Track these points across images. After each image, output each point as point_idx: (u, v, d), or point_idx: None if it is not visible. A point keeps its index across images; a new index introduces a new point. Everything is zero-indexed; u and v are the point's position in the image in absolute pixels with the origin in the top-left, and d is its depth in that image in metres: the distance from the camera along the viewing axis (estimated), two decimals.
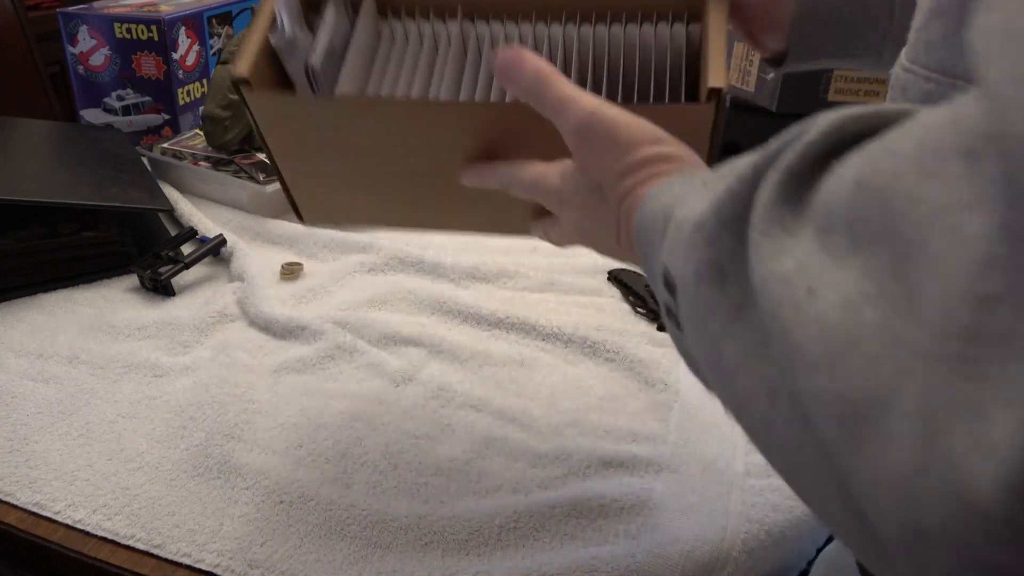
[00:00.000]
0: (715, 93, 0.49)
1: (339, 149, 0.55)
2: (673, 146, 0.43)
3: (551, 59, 0.59)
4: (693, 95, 0.57)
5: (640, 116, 0.43)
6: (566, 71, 0.59)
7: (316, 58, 0.54)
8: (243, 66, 0.52)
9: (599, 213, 0.46)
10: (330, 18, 0.57)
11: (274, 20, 0.55)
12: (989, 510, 0.19)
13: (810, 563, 0.62)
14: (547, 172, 0.49)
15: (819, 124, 0.28)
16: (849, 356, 0.23)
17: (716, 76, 0.49)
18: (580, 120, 0.44)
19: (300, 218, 0.64)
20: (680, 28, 0.58)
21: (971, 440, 0.19)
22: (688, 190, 0.35)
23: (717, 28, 0.52)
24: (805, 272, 0.25)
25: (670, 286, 0.34)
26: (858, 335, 0.23)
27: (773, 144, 0.31)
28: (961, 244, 0.20)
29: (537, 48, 0.59)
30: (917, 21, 0.42)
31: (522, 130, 0.50)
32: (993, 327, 0.19)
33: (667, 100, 0.57)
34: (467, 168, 0.53)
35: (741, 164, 0.31)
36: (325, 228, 1.03)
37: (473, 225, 0.62)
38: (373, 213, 0.64)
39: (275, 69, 0.55)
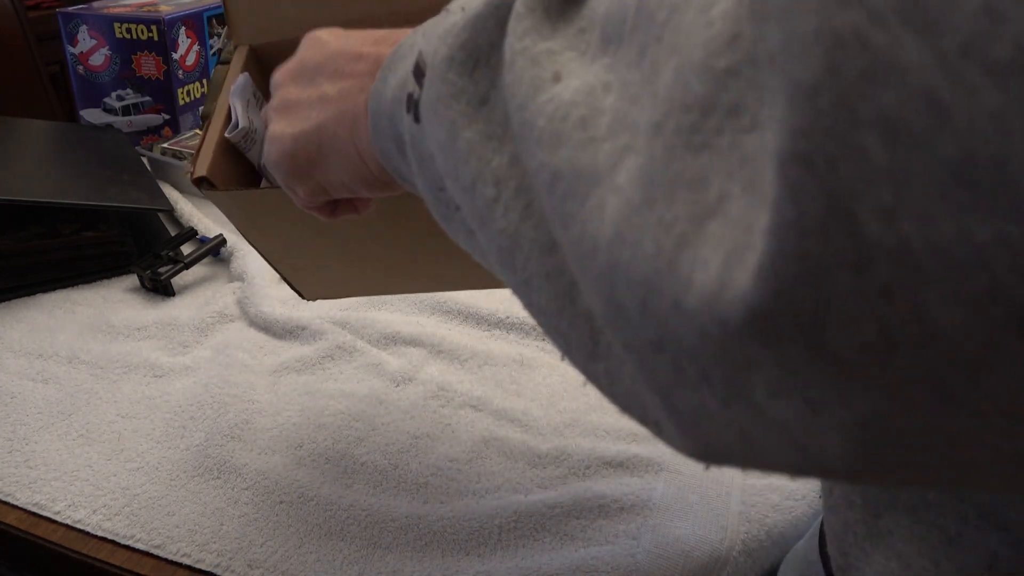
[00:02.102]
0: None
1: (311, 235, 0.55)
2: None
3: None
4: None
5: None
6: None
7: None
8: (202, 165, 0.51)
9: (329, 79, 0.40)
10: None
11: (230, 115, 0.54)
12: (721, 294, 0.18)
13: None
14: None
15: None
16: (572, 134, 0.22)
17: None
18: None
19: (301, 296, 0.65)
20: None
21: (697, 210, 0.19)
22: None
23: None
24: (555, 59, 0.24)
25: (420, 72, 0.31)
26: (586, 116, 0.22)
27: None
28: (706, 24, 0.19)
29: None
30: None
31: None
32: (725, 100, 0.18)
33: None
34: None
35: None
36: None
37: (468, 282, 0.62)
38: (367, 285, 0.65)
39: (235, 161, 0.55)
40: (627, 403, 0.24)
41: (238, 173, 0.55)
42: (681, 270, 0.19)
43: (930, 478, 0.19)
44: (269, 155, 0.42)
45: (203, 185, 0.50)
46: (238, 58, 0.58)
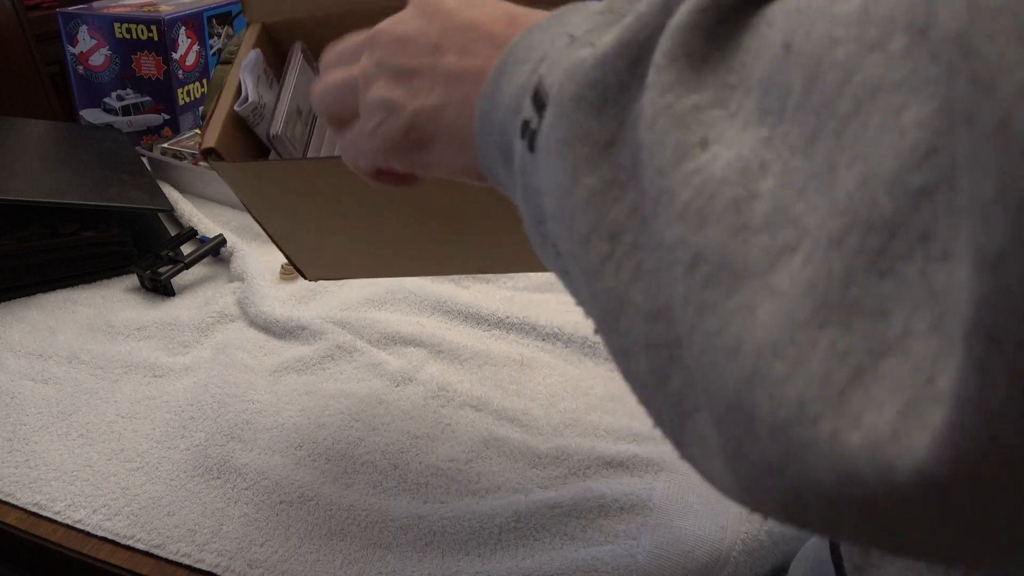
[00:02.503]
0: None
1: (317, 209, 0.54)
2: None
3: None
4: None
5: None
6: None
7: (277, 126, 0.53)
8: (210, 137, 0.51)
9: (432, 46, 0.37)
10: (292, 79, 0.56)
11: (239, 89, 0.54)
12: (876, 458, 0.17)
13: None
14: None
15: None
16: (723, 216, 0.21)
17: None
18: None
19: (304, 276, 0.65)
20: None
21: (876, 343, 0.17)
22: (583, 16, 0.31)
23: None
24: (702, 119, 0.22)
25: (539, 102, 0.29)
26: (740, 199, 0.20)
27: None
28: (899, 132, 0.17)
29: None
30: None
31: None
32: (916, 222, 0.17)
33: None
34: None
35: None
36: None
37: (468, 266, 0.62)
38: (371, 265, 0.64)
39: (246, 133, 0.55)
40: (727, 493, 0.23)
41: (246, 147, 0.55)
42: (851, 406, 0.17)
43: None
44: (370, 119, 0.39)
45: (211, 156, 0.50)
46: (250, 35, 0.58)
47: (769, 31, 0.23)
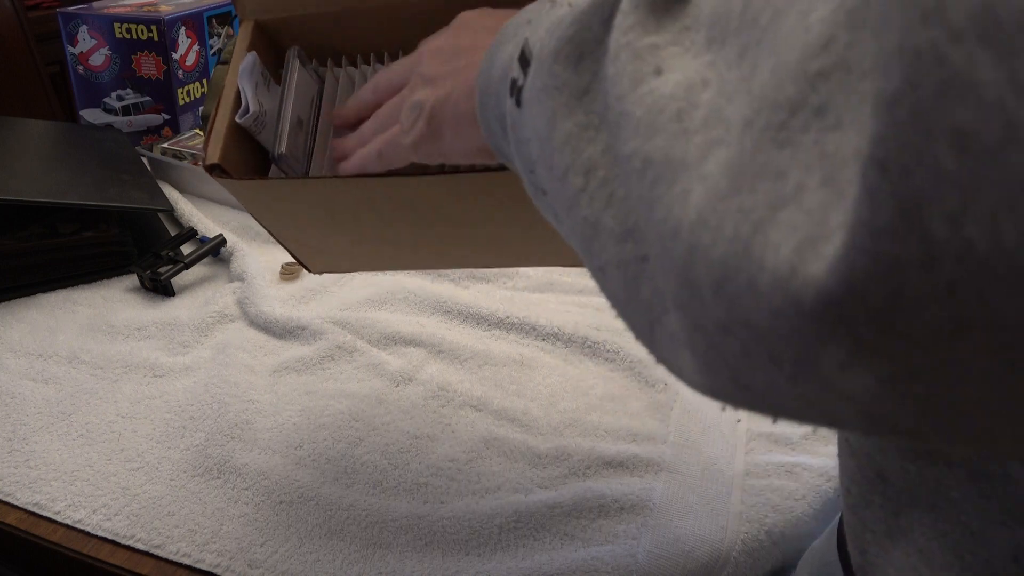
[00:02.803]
0: None
1: (324, 219, 0.55)
2: None
3: None
4: None
5: None
6: None
7: (281, 145, 0.53)
8: (214, 152, 0.50)
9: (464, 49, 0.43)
10: (291, 89, 0.55)
11: (239, 97, 0.53)
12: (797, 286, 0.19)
13: None
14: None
15: None
16: (668, 125, 0.24)
17: None
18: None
19: (308, 269, 0.65)
20: None
21: (774, 199, 0.20)
22: None
23: None
24: (658, 54, 0.26)
25: (525, 60, 0.33)
26: (682, 109, 0.24)
27: None
28: (804, 29, 0.20)
29: None
30: None
31: (492, 191, 0.50)
32: (813, 100, 0.19)
33: None
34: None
35: None
36: None
37: (473, 261, 0.63)
38: (376, 262, 0.65)
39: (249, 142, 0.54)
40: (690, 381, 0.26)
41: (250, 155, 0.55)
42: (754, 252, 0.20)
43: (996, 445, 0.20)
44: (406, 122, 0.45)
45: (216, 172, 0.50)
46: (244, 34, 0.57)
47: None
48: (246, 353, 0.81)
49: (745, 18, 0.23)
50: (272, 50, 0.60)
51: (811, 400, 0.21)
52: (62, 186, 0.94)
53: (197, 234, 1.00)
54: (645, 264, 0.26)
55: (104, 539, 0.61)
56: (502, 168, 0.44)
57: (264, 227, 0.58)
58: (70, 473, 0.66)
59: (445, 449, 0.69)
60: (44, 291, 0.90)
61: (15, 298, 0.89)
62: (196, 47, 1.29)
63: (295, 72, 0.57)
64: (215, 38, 1.33)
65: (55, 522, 0.62)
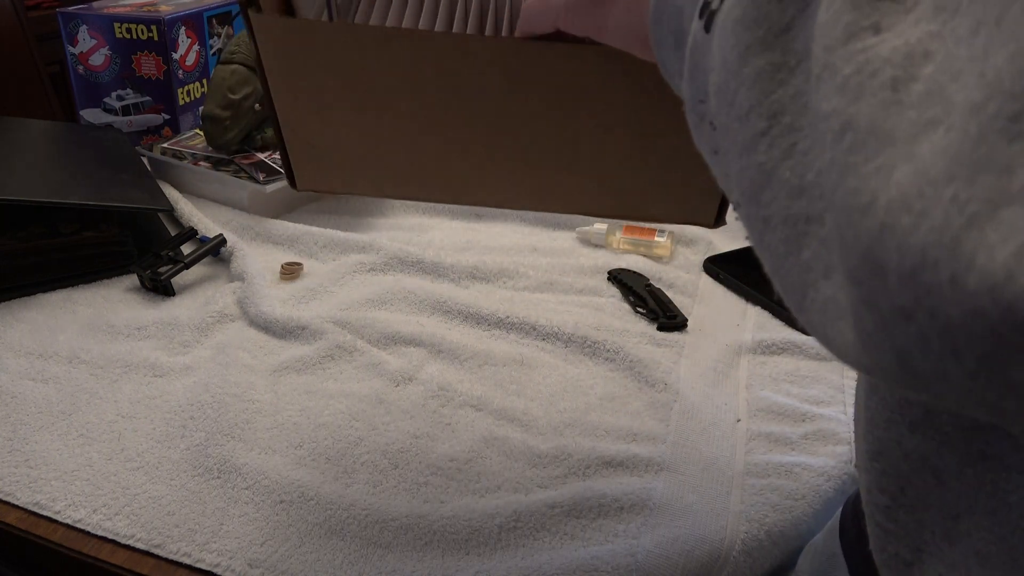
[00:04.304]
0: None
1: (348, 87, 0.51)
2: None
3: None
4: None
5: None
6: None
7: None
8: None
9: None
10: None
11: None
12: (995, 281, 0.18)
13: None
14: None
15: None
16: (879, 92, 0.22)
17: None
18: None
19: (292, 183, 0.60)
20: None
21: (995, 194, 0.18)
22: None
23: None
24: (879, 8, 0.24)
25: None
26: (898, 79, 0.22)
27: None
28: None
29: None
30: None
31: (552, 75, 0.47)
32: None
33: None
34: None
35: None
36: (328, 227, 1.03)
37: (488, 197, 0.57)
38: (374, 176, 0.59)
39: (284, 5, 0.51)
40: (842, 352, 0.25)
41: (282, 9, 0.52)
42: (963, 248, 0.19)
43: None
44: None
45: (251, 8, 0.47)
46: None
47: None
48: (246, 353, 0.81)
49: None
50: None
51: (983, 395, 0.20)
52: (62, 186, 0.94)
53: (197, 234, 1.00)
54: (815, 226, 0.25)
55: (104, 539, 0.61)
56: (589, 45, 0.41)
57: (270, 95, 0.53)
58: (70, 473, 0.66)
59: (445, 449, 0.69)
60: (44, 291, 0.90)
61: (15, 298, 0.89)
62: (196, 47, 1.29)
63: None
64: (215, 38, 1.33)
65: (55, 522, 0.62)
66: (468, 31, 0.55)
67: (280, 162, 1.05)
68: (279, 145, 0.57)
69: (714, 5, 0.31)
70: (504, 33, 0.55)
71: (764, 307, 0.90)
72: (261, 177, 1.08)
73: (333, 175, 0.59)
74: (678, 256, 1.02)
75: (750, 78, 0.28)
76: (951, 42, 0.22)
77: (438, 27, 0.53)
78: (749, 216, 0.29)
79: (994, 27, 0.20)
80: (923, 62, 0.22)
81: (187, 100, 1.29)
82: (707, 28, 0.31)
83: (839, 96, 0.23)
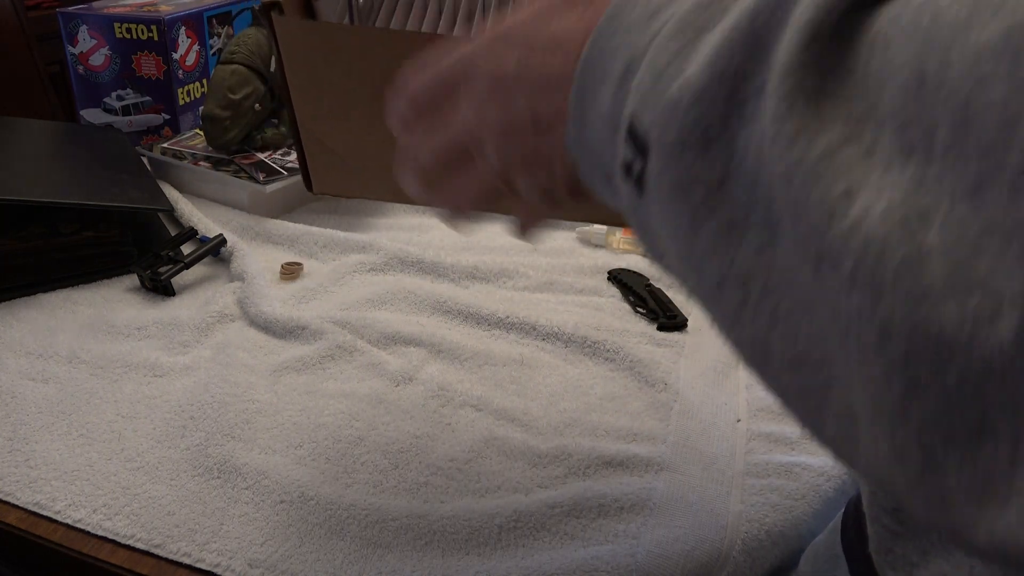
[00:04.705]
0: None
1: (365, 91, 0.51)
2: None
3: None
4: None
5: None
6: None
7: None
8: None
9: (525, 51, 0.36)
10: None
11: None
12: None
13: None
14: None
15: None
16: (899, 284, 0.20)
17: None
18: None
19: (308, 186, 0.60)
20: None
21: None
22: (652, 33, 0.29)
23: None
24: (839, 166, 0.21)
25: (639, 145, 0.28)
26: (910, 259, 0.19)
27: None
28: None
29: None
30: None
31: None
32: None
33: None
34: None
35: (740, 8, 0.26)
36: (328, 227, 1.03)
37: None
38: (389, 182, 0.60)
39: (305, 3, 0.52)
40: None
41: (304, 14, 0.52)
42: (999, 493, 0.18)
43: None
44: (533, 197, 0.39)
45: (274, 11, 0.47)
46: None
47: (889, 54, 0.22)
48: (246, 353, 0.81)
49: (967, 138, 0.19)
50: None
51: None
52: (62, 186, 0.94)
53: (197, 234, 1.00)
54: (829, 392, 0.23)
55: (104, 539, 0.61)
56: None
57: (291, 98, 0.53)
58: (70, 473, 0.66)
59: (445, 449, 0.69)
60: (44, 291, 0.90)
61: (15, 298, 0.89)
62: (196, 47, 1.29)
63: None
64: (215, 38, 1.33)
65: (55, 522, 0.62)
66: None
67: (278, 164, 1.05)
68: (296, 148, 0.58)
69: (636, 167, 0.29)
70: None
71: None
72: (261, 177, 1.08)
73: (349, 179, 0.60)
74: None
75: (708, 247, 0.26)
76: (944, 197, 0.19)
77: (456, 32, 0.54)
78: (762, 380, 0.26)
79: (1011, 194, 0.18)
80: (924, 226, 0.19)
81: (187, 100, 1.29)
82: (639, 190, 0.29)
83: (857, 294, 0.21)
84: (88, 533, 0.61)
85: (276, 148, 1.15)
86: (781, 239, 0.23)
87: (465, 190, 0.41)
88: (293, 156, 1.13)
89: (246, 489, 0.65)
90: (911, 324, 0.19)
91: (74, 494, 0.64)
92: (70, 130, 1.17)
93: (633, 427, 0.72)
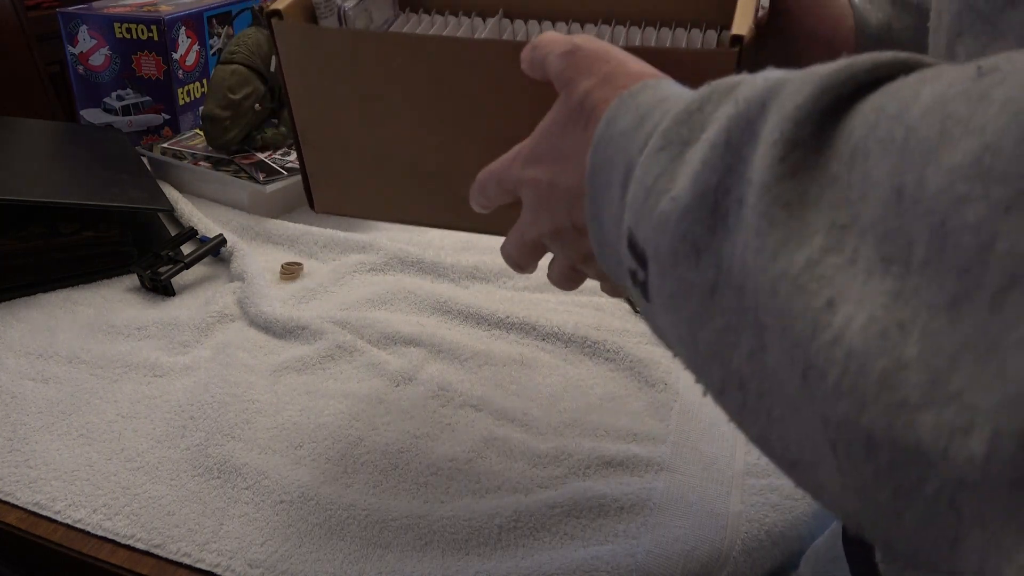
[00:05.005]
0: (737, 40, 0.46)
1: (364, 93, 0.52)
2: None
3: None
4: None
5: (657, 64, 0.40)
6: None
7: (350, 4, 0.52)
8: (279, 2, 0.50)
9: (560, 155, 0.40)
10: None
11: None
12: None
13: None
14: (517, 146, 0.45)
15: (814, 78, 0.24)
16: (879, 395, 0.20)
17: (740, 25, 0.46)
18: (568, 46, 0.40)
19: (311, 204, 0.61)
20: (712, 35, 0.58)
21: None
22: (642, 145, 0.32)
23: (743, 15, 0.49)
24: (822, 276, 0.22)
25: (639, 256, 0.31)
26: (888, 371, 0.20)
27: (752, 93, 0.27)
28: None
29: None
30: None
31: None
32: None
33: None
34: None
35: (718, 122, 0.28)
36: (328, 227, 1.03)
37: (494, 226, 0.57)
38: (390, 199, 0.60)
39: (307, 16, 0.53)
40: None
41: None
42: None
43: None
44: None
45: (275, 18, 0.48)
46: None
47: (868, 165, 0.22)
48: (246, 353, 0.81)
49: (944, 254, 0.20)
50: None
51: None
52: (62, 186, 0.94)
53: (197, 234, 1.00)
54: (823, 494, 0.24)
55: (104, 539, 0.61)
56: None
57: (292, 108, 0.54)
58: (70, 473, 0.66)
59: (445, 449, 0.69)
60: (44, 291, 0.90)
61: (15, 298, 0.89)
62: (196, 47, 1.29)
63: None
64: (215, 38, 1.33)
65: (55, 522, 0.62)
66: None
67: (278, 164, 1.05)
68: (299, 163, 0.59)
69: (640, 276, 0.31)
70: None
71: None
72: (261, 177, 1.08)
73: (351, 197, 0.61)
74: None
75: (708, 352, 0.27)
76: (922, 310, 0.20)
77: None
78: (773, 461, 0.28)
79: (989, 312, 0.19)
80: (902, 339, 0.20)
81: (187, 100, 1.29)
82: (646, 297, 0.31)
83: (842, 402, 0.21)
84: (88, 533, 0.61)
85: (276, 148, 1.15)
86: (770, 346, 0.24)
87: (554, 278, 0.47)
88: (293, 156, 1.13)
89: (246, 489, 0.65)
90: (893, 434, 0.20)
91: (74, 494, 0.64)
92: (70, 130, 1.17)
93: (633, 427, 0.72)
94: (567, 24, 0.60)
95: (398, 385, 0.77)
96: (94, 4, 1.29)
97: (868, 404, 0.21)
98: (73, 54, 1.28)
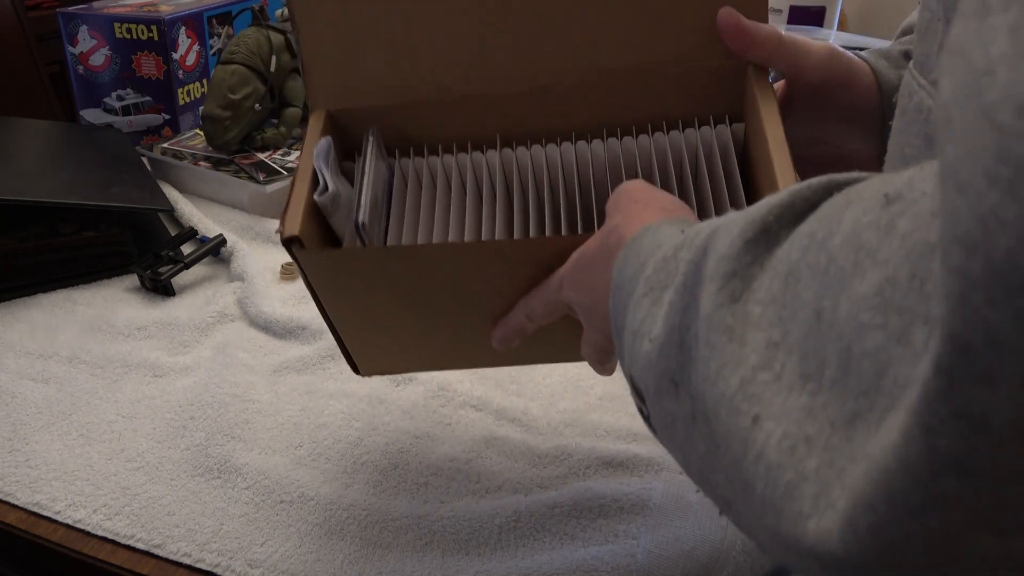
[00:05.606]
0: None
1: (392, 299, 0.55)
2: (687, 213, 0.43)
3: (591, 178, 0.59)
4: (748, 191, 0.55)
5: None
6: (607, 187, 0.58)
7: (364, 214, 0.53)
8: (292, 225, 0.51)
9: (592, 277, 0.45)
10: (369, 167, 0.56)
11: (314, 177, 0.54)
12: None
13: None
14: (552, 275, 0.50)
15: (744, 216, 0.28)
16: (785, 506, 0.23)
17: (785, 179, 0.47)
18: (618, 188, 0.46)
19: (355, 370, 0.65)
20: (724, 128, 0.57)
21: None
22: (634, 290, 0.36)
23: (773, 126, 0.49)
24: (752, 394, 0.25)
25: (638, 393, 0.35)
26: (794, 482, 0.23)
27: (700, 238, 0.31)
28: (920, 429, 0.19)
29: (579, 169, 0.59)
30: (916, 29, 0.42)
31: (559, 262, 0.51)
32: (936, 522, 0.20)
33: (727, 199, 0.55)
34: (494, 331, 0.55)
35: (682, 266, 0.32)
36: None
37: (531, 357, 0.63)
38: (431, 360, 0.65)
39: (318, 223, 0.55)
40: None
41: (322, 236, 0.55)
42: None
43: None
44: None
45: (295, 245, 0.51)
46: (316, 121, 0.58)
47: (799, 288, 0.25)
48: (246, 353, 0.81)
49: (848, 377, 0.22)
50: (344, 135, 0.60)
51: None
52: (62, 186, 0.94)
53: (197, 234, 1.00)
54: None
55: (104, 539, 0.61)
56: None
57: (324, 311, 0.58)
58: (70, 473, 0.66)
59: (445, 449, 0.69)
60: (44, 291, 0.90)
61: (15, 298, 0.89)
62: (196, 47, 1.29)
63: (373, 152, 0.57)
64: (215, 38, 1.33)
65: (55, 522, 0.62)
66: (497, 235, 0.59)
67: (278, 164, 1.05)
68: (338, 343, 0.62)
69: (644, 411, 0.35)
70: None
71: None
72: (261, 177, 1.08)
73: (392, 362, 0.65)
74: None
75: (699, 476, 0.30)
76: (826, 426, 0.23)
77: (467, 236, 0.57)
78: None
79: (875, 430, 0.21)
80: (807, 454, 0.23)
81: (187, 100, 1.29)
82: (652, 429, 0.35)
83: (769, 515, 0.24)
84: (88, 533, 0.61)
85: (276, 148, 1.15)
86: (723, 468, 0.27)
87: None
88: (293, 156, 1.13)
89: (246, 489, 0.65)
90: (797, 543, 0.23)
91: (74, 494, 0.64)
92: (70, 130, 1.17)
93: (633, 427, 0.72)
94: (572, 143, 0.59)
95: (398, 385, 0.77)
96: (94, 4, 1.29)
97: (781, 515, 0.23)
98: (73, 54, 1.28)
